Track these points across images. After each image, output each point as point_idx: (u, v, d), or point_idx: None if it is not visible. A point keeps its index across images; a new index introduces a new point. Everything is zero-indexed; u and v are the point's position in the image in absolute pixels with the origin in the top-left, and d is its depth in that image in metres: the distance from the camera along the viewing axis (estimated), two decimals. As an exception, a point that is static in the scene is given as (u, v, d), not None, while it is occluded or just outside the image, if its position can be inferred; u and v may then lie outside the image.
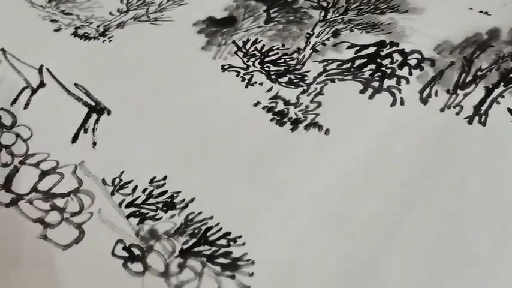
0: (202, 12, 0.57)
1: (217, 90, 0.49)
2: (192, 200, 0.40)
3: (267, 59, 0.51)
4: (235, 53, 0.52)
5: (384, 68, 0.49)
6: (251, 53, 0.52)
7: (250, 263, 0.37)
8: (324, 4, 0.58)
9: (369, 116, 0.45)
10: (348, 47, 0.52)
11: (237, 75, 0.50)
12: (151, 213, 0.40)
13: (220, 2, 0.58)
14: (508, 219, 0.38)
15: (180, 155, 0.44)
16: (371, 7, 0.56)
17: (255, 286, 0.36)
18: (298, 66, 0.50)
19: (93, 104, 0.48)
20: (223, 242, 0.38)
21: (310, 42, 0.53)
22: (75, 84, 0.49)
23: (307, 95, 0.48)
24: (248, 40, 0.54)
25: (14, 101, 0.48)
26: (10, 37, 0.54)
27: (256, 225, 0.39)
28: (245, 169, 0.42)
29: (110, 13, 0.58)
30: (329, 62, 0.50)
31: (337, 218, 0.39)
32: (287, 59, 0.51)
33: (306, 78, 0.49)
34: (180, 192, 0.41)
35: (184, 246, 0.38)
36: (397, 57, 0.50)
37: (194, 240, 0.38)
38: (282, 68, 0.50)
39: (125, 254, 0.38)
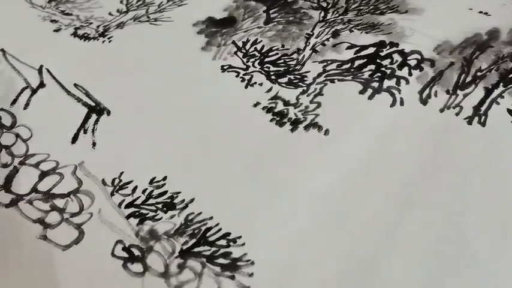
0: (202, 13, 0.57)
1: (217, 90, 0.49)
2: (192, 200, 0.40)
3: (266, 59, 0.52)
4: (235, 53, 0.52)
5: (383, 69, 0.49)
6: (251, 53, 0.52)
7: (250, 264, 0.37)
8: (324, 4, 0.58)
9: (369, 116, 0.46)
10: (348, 48, 0.52)
11: (237, 76, 0.50)
12: (151, 214, 0.40)
13: (220, 2, 0.58)
14: (508, 219, 0.38)
15: (180, 155, 0.44)
16: (371, 7, 0.57)
17: (255, 286, 0.36)
18: (297, 67, 0.50)
19: (92, 104, 0.48)
20: (223, 242, 0.38)
21: (309, 43, 0.53)
22: (75, 85, 0.49)
23: (307, 96, 0.48)
24: (248, 40, 0.54)
25: (14, 102, 0.48)
26: (10, 37, 0.54)
27: (256, 225, 0.39)
28: (245, 169, 0.42)
29: (110, 13, 0.58)
30: (329, 62, 0.50)
31: (338, 217, 0.39)
32: (287, 60, 0.51)
33: (305, 78, 0.49)
34: (179, 192, 0.41)
35: (184, 247, 0.38)
36: (396, 57, 0.50)
37: (194, 240, 0.38)
38: (281, 69, 0.50)
39: (125, 254, 0.38)
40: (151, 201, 0.41)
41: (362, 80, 0.48)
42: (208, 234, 0.38)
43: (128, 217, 0.40)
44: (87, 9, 0.59)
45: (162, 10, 0.58)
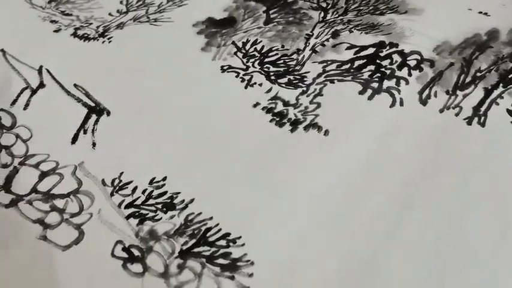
0: (202, 13, 0.57)
1: (217, 90, 0.49)
2: (192, 200, 0.40)
3: (266, 59, 0.52)
4: (235, 53, 0.52)
5: (383, 69, 0.49)
6: (251, 53, 0.52)
7: (249, 264, 0.37)
8: (324, 5, 0.58)
9: (369, 116, 0.46)
10: (348, 48, 0.52)
11: (237, 76, 0.50)
12: (151, 214, 0.40)
13: (219, 2, 0.58)
14: (508, 219, 0.38)
15: (180, 155, 0.44)
16: (370, 8, 0.57)
17: (255, 287, 0.36)
18: (297, 67, 0.50)
19: (92, 104, 0.48)
20: (223, 242, 0.38)
21: (309, 43, 0.53)
22: (75, 85, 0.49)
23: (307, 96, 0.48)
24: (248, 41, 0.54)
25: (14, 102, 0.48)
26: (10, 38, 0.54)
27: (256, 225, 0.39)
28: (245, 169, 0.42)
29: (110, 14, 0.58)
30: (328, 62, 0.50)
31: (337, 217, 0.39)
32: (286, 60, 0.51)
33: (305, 79, 0.49)
34: (179, 193, 0.41)
35: (184, 247, 0.38)
36: (396, 58, 0.50)
37: (194, 241, 0.38)
38: (281, 69, 0.50)
39: (125, 254, 0.38)
40: (151, 201, 0.41)
41: (362, 81, 0.48)
42: (208, 235, 0.38)
43: (127, 217, 0.40)
44: (87, 10, 0.59)
45: (162, 10, 0.58)
